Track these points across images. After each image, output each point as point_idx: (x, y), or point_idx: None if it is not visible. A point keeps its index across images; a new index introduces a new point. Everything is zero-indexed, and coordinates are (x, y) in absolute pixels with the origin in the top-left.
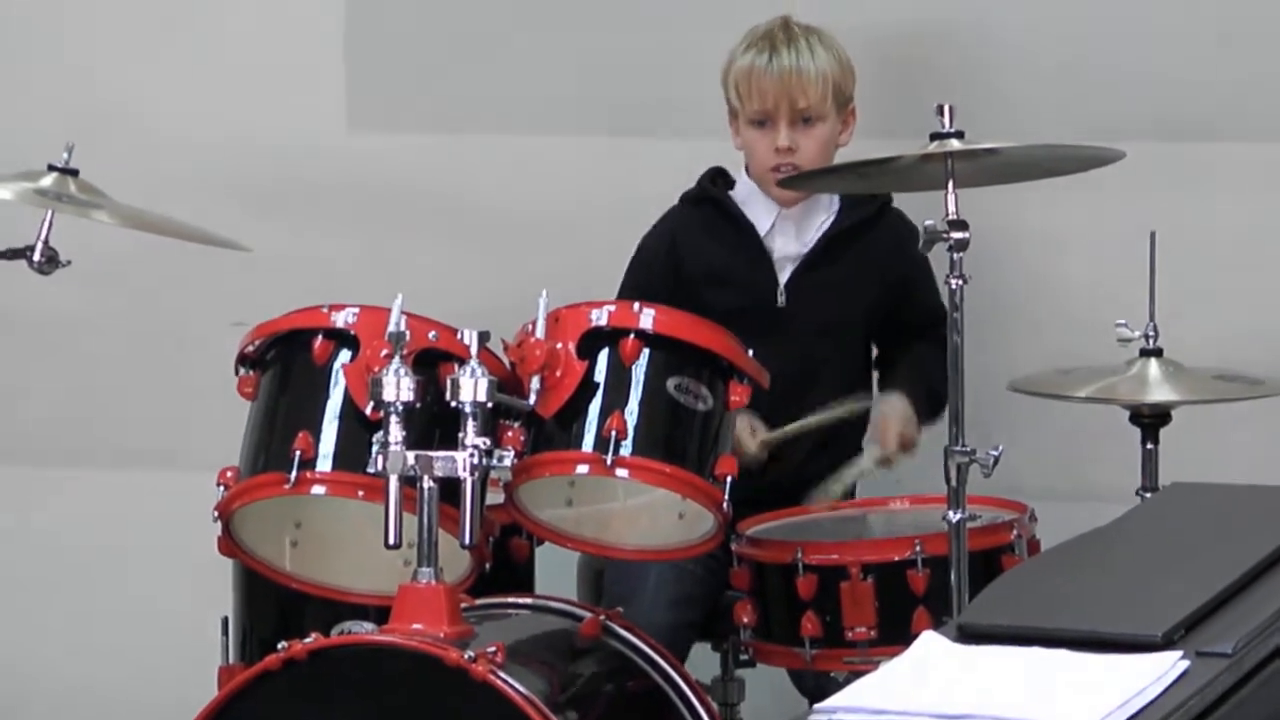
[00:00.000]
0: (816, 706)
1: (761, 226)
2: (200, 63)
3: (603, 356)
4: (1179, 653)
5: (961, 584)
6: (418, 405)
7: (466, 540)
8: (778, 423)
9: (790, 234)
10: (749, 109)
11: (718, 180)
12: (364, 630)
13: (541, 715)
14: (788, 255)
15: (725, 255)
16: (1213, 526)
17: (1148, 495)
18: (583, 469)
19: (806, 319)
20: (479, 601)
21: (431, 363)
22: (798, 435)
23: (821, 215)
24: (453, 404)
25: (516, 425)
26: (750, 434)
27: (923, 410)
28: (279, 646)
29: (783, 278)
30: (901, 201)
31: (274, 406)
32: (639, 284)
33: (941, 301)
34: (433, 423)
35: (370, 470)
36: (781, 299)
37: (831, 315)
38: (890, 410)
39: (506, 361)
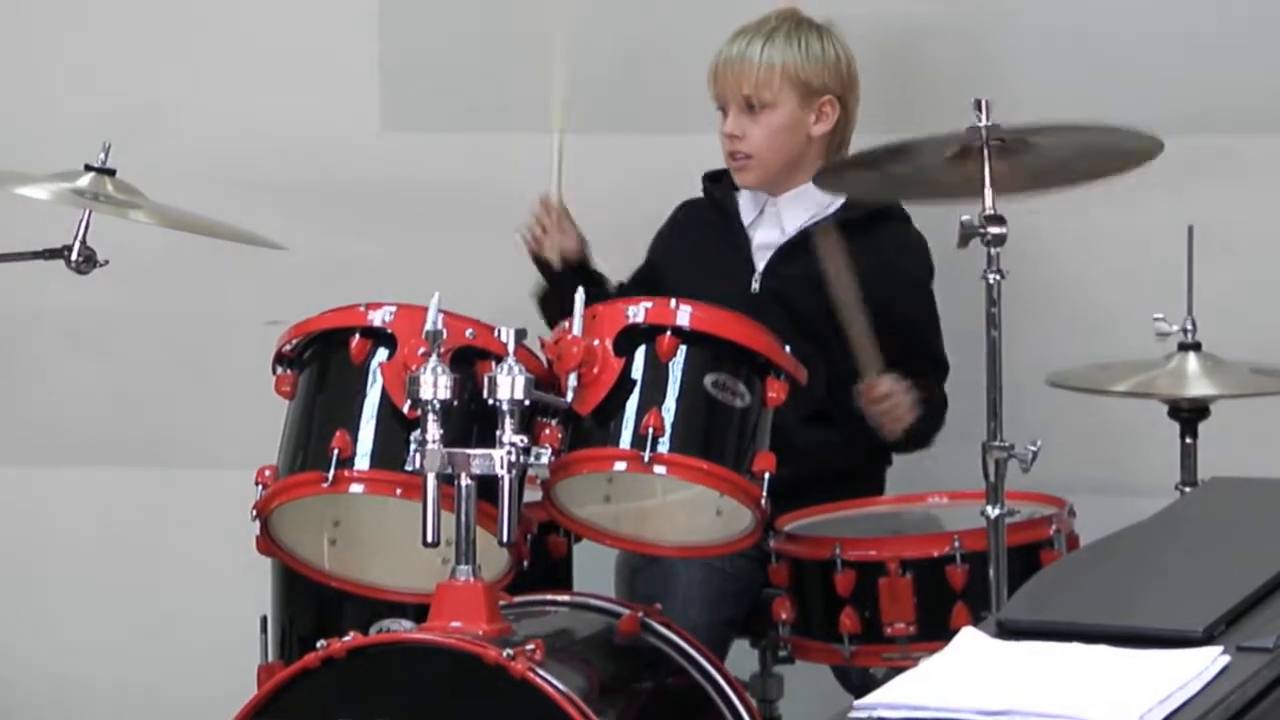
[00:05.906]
0: (856, 703)
1: (748, 216)
2: (236, 62)
3: (640, 353)
4: (1219, 648)
5: (1000, 580)
6: (455, 403)
7: (504, 538)
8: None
9: (774, 223)
10: (714, 100)
11: (720, 178)
12: (402, 628)
13: (580, 713)
14: (766, 244)
15: (709, 244)
16: (1252, 521)
17: (1187, 490)
18: (620, 466)
19: (780, 308)
20: (517, 599)
21: (469, 360)
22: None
23: (812, 209)
24: (490, 402)
25: (554, 423)
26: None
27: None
28: (318, 645)
29: (760, 265)
30: (925, 212)
31: (311, 405)
32: (636, 279)
33: (944, 353)
34: (470, 420)
35: (408, 468)
36: (755, 286)
37: (805, 307)
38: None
39: (544, 359)
